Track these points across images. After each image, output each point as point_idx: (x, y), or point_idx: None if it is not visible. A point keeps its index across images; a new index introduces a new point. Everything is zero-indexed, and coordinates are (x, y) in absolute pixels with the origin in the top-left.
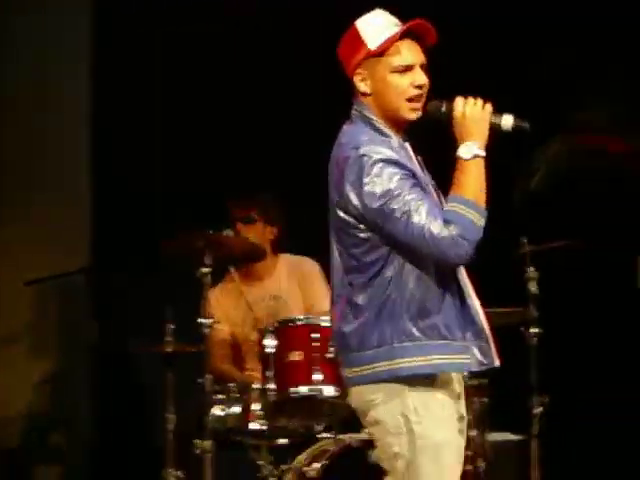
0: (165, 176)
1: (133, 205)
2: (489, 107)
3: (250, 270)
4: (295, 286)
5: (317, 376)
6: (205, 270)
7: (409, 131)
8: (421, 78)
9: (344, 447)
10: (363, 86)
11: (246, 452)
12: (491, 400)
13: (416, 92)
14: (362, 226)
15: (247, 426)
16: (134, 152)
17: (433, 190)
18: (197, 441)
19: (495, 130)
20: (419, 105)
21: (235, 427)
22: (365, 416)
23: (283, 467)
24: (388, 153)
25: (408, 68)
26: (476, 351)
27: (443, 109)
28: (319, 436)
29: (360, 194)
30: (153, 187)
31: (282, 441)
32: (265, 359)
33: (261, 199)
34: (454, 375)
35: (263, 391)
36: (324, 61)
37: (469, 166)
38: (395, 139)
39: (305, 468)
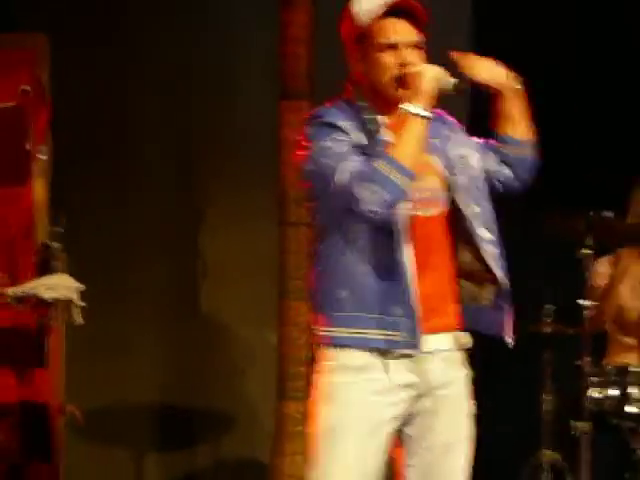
0: None
1: None
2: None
3: None
4: None
5: None
6: (586, 251)
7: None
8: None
9: None
10: (357, 65)
11: (621, 435)
12: None
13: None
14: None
15: (624, 409)
16: None
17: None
18: (574, 422)
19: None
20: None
21: (612, 410)
22: None
23: None
24: (332, 118)
25: (392, 47)
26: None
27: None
28: None
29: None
30: None
31: None
32: None
33: None
34: (393, 364)
35: None
36: None
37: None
38: (367, 112)
39: None
